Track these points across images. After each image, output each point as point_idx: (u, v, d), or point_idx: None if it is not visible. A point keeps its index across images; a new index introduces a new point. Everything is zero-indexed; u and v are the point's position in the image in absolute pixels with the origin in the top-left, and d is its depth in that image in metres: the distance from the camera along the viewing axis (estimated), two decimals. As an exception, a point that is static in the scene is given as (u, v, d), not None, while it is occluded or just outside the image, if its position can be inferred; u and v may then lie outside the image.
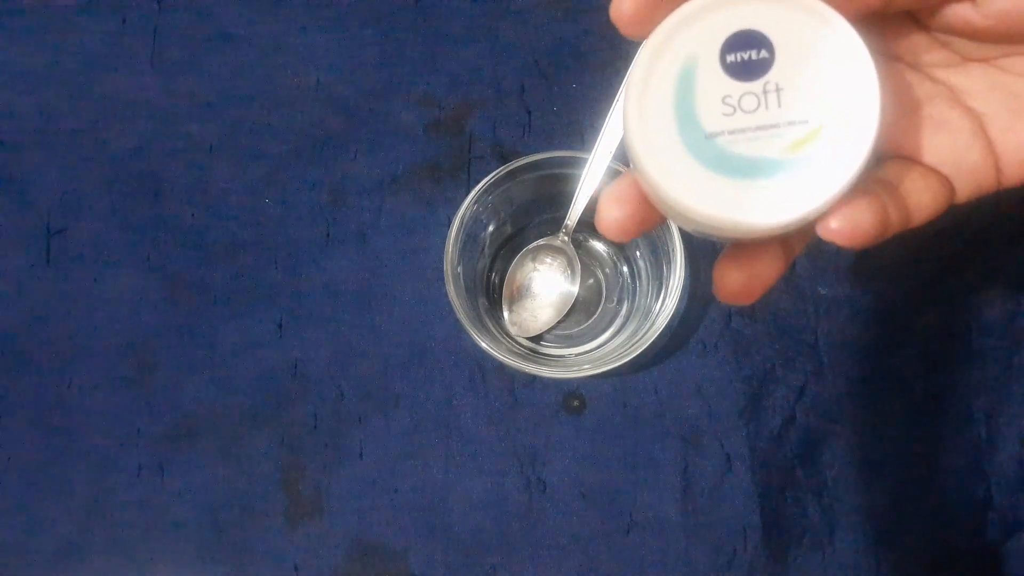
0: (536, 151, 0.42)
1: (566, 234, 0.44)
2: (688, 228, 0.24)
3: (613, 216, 0.24)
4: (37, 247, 0.48)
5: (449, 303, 0.40)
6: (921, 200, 0.24)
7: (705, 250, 0.46)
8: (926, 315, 0.45)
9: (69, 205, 0.48)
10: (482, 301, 0.45)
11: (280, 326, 0.46)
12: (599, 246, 0.47)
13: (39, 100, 0.49)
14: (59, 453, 0.46)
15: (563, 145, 0.47)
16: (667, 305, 0.40)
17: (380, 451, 0.45)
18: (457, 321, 0.40)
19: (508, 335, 0.45)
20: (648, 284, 0.44)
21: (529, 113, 0.48)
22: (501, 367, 0.45)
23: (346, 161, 0.48)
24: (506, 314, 0.45)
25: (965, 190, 0.25)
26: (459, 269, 0.41)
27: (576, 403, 0.45)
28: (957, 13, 0.23)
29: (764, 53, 0.21)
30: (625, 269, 0.46)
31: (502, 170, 0.41)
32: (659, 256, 0.42)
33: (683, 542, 0.44)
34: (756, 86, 0.21)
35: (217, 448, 0.45)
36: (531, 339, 0.45)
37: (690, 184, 0.22)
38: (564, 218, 0.44)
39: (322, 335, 0.46)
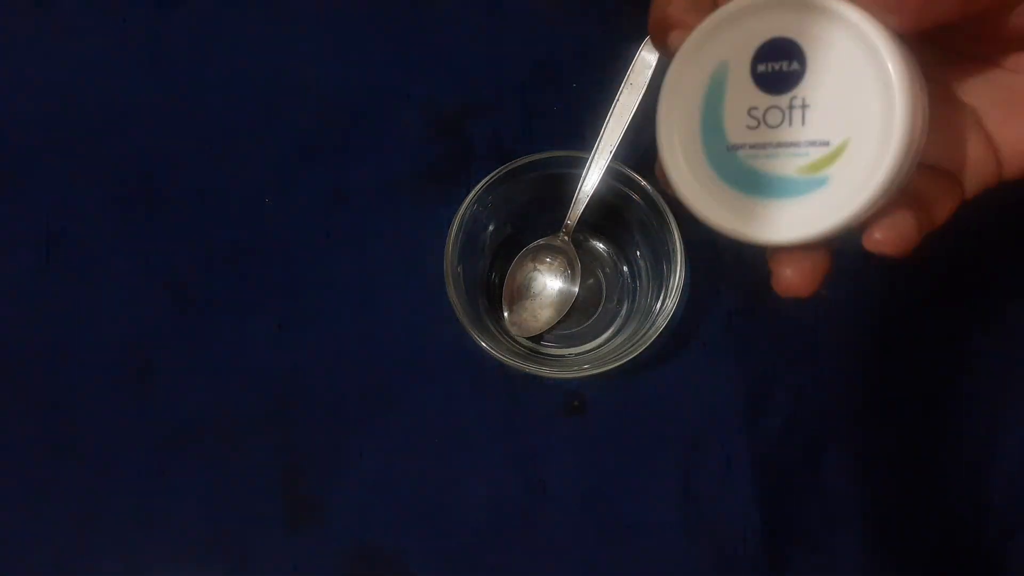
0: (536, 151, 0.42)
1: (566, 234, 0.44)
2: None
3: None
4: (37, 248, 0.47)
5: (449, 303, 0.40)
6: (940, 202, 0.24)
7: (705, 250, 0.46)
8: (926, 316, 0.45)
9: (69, 206, 0.48)
10: (482, 301, 0.45)
11: (280, 326, 0.46)
12: (599, 246, 0.47)
13: (39, 101, 0.49)
14: (59, 454, 0.45)
15: (563, 145, 0.47)
16: (667, 305, 0.40)
17: (380, 452, 0.45)
18: (457, 321, 0.40)
19: (508, 335, 0.45)
20: (648, 284, 0.44)
21: (529, 113, 0.48)
22: (501, 367, 0.45)
23: (346, 161, 0.48)
24: (506, 314, 0.45)
25: (971, 186, 0.25)
26: (459, 269, 0.41)
27: (576, 403, 0.45)
28: (1017, 25, 0.22)
29: (795, 65, 0.21)
30: (625, 269, 0.46)
31: (502, 170, 0.41)
32: (659, 256, 0.42)
33: (683, 543, 0.44)
34: (783, 100, 0.21)
35: (217, 450, 0.45)
36: (531, 339, 0.45)
37: (705, 194, 0.22)
38: (564, 218, 0.44)
39: (322, 336, 0.46)
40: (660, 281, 0.42)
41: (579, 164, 0.41)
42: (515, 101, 0.48)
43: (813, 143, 0.21)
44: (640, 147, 0.47)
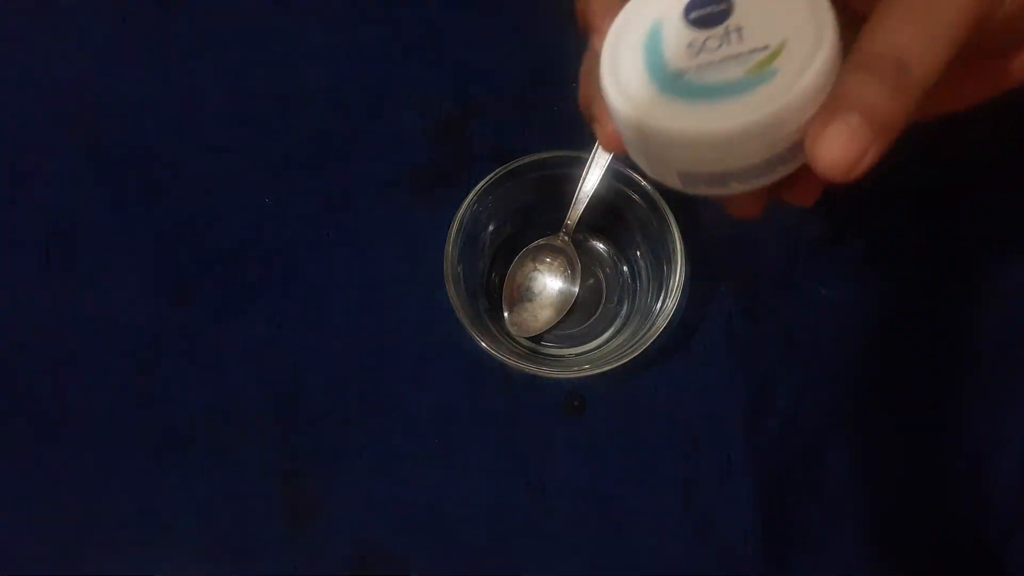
0: (536, 151, 0.42)
1: (566, 234, 0.44)
2: (678, 178, 0.26)
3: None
4: (37, 248, 0.47)
5: (449, 304, 0.40)
6: (922, 56, 0.21)
7: (705, 250, 0.46)
8: (926, 316, 0.45)
9: (69, 205, 0.48)
10: (482, 301, 0.45)
11: (280, 326, 0.46)
12: (599, 246, 0.47)
13: (39, 100, 0.49)
14: (59, 454, 0.45)
15: (563, 145, 0.47)
16: (667, 305, 0.40)
17: (380, 452, 0.45)
18: (457, 321, 0.40)
19: (508, 335, 0.45)
20: (648, 284, 0.44)
21: (529, 113, 0.48)
22: (501, 367, 0.45)
23: (346, 162, 0.48)
24: (506, 314, 0.45)
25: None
26: (459, 269, 0.41)
27: (576, 403, 0.45)
28: None
29: (724, 5, 0.24)
30: (625, 269, 0.46)
31: (502, 170, 0.41)
32: (659, 256, 0.42)
33: (683, 543, 0.44)
34: (718, 31, 0.23)
35: (216, 450, 0.45)
36: (531, 339, 0.45)
37: (669, 114, 0.23)
38: (564, 218, 0.44)
39: (322, 336, 0.46)
40: (660, 281, 0.42)
41: (579, 164, 0.41)
42: (515, 101, 0.48)
43: (754, 50, 0.23)
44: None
